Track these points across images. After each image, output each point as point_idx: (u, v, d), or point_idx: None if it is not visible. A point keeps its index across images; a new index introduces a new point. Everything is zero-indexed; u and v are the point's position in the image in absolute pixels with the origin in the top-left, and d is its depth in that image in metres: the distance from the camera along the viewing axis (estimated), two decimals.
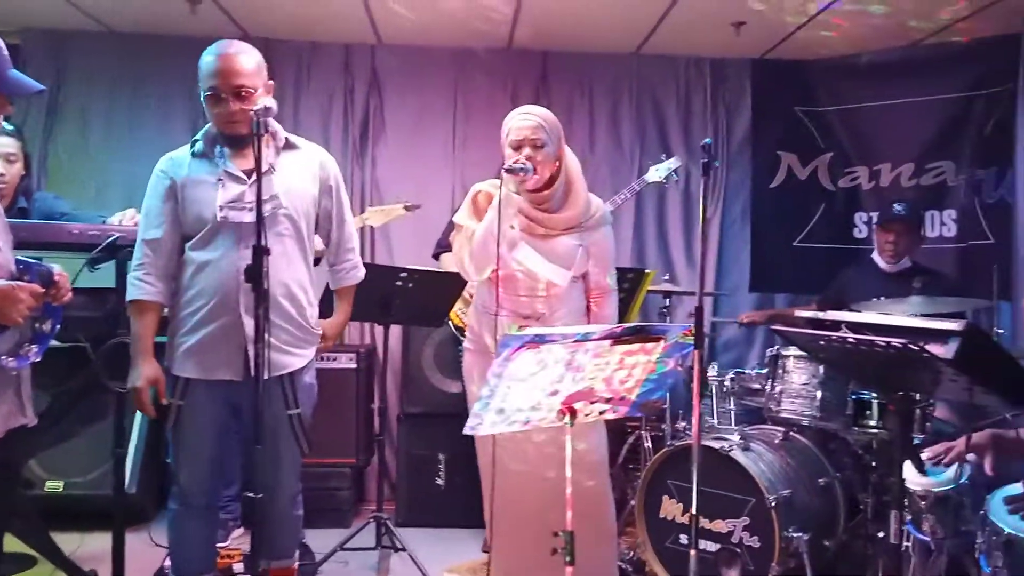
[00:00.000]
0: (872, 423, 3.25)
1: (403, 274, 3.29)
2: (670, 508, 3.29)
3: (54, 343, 2.34)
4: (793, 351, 3.35)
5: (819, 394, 3.26)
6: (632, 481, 3.93)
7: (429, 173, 4.76)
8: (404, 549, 3.40)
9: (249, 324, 2.37)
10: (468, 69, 4.80)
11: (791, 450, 3.37)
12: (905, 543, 2.67)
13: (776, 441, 3.38)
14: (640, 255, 4.89)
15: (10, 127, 3.25)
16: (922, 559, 2.65)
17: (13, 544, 2.78)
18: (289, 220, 2.52)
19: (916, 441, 2.75)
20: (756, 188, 4.94)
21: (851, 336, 2.10)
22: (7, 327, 2.03)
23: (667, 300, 4.05)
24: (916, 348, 1.91)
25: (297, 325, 2.56)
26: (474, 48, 4.75)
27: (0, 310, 1.97)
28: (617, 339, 2.08)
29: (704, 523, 3.14)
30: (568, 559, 2.06)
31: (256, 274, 2.12)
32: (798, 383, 3.33)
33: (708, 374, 3.80)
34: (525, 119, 2.69)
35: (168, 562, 3.08)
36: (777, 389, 3.38)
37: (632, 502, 3.48)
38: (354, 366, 4.12)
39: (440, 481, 4.14)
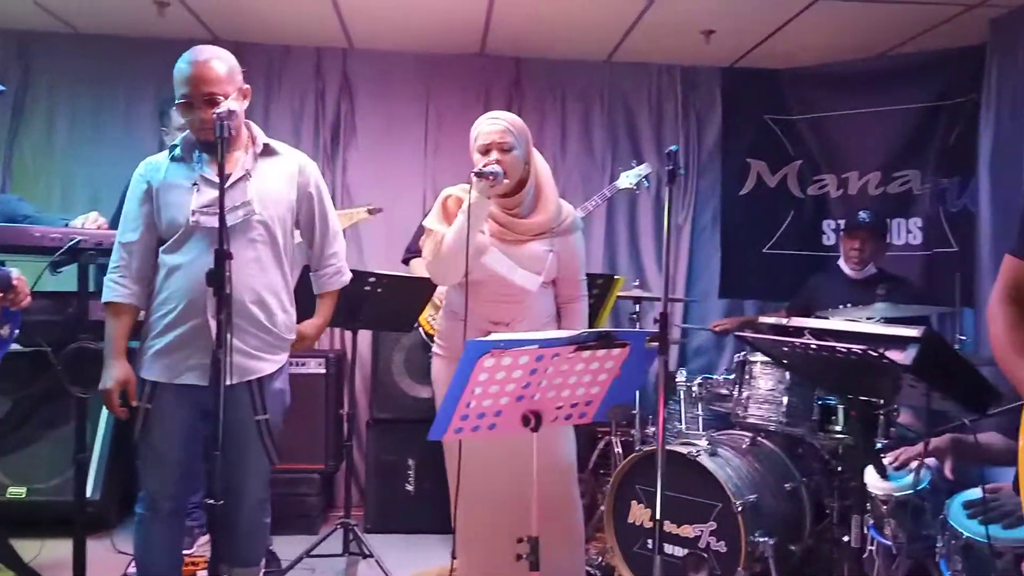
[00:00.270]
0: (838, 428, 3.27)
1: (372, 279, 3.28)
2: (638, 513, 3.29)
3: (15, 347, 2.31)
4: (760, 357, 3.37)
5: (785, 399, 3.29)
6: (602, 486, 3.94)
7: (400, 178, 4.76)
8: (372, 555, 3.38)
9: (216, 329, 2.33)
10: (440, 75, 4.80)
11: (758, 455, 3.39)
12: (869, 547, 2.70)
13: (744, 446, 3.40)
14: (612, 261, 4.92)
15: None
16: (885, 563, 2.68)
17: None
18: (263, 226, 2.52)
19: (879, 446, 2.79)
20: (726, 195, 4.99)
21: (813, 342, 2.12)
22: None
23: (637, 306, 4.07)
24: (876, 354, 1.94)
25: (267, 331, 2.55)
26: (446, 54, 4.76)
27: None
28: (582, 345, 2.09)
29: (672, 528, 3.15)
30: (532, 565, 2.07)
31: (218, 278, 2.10)
32: (765, 389, 3.36)
33: (677, 379, 3.82)
34: (493, 123, 2.69)
35: (132, 569, 3.04)
36: (744, 395, 3.41)
37: (602, 507, 3.49)
38: (323, 371, 4.10)
39: (410, 487, 4.13)
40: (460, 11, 4.13)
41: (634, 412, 3.87)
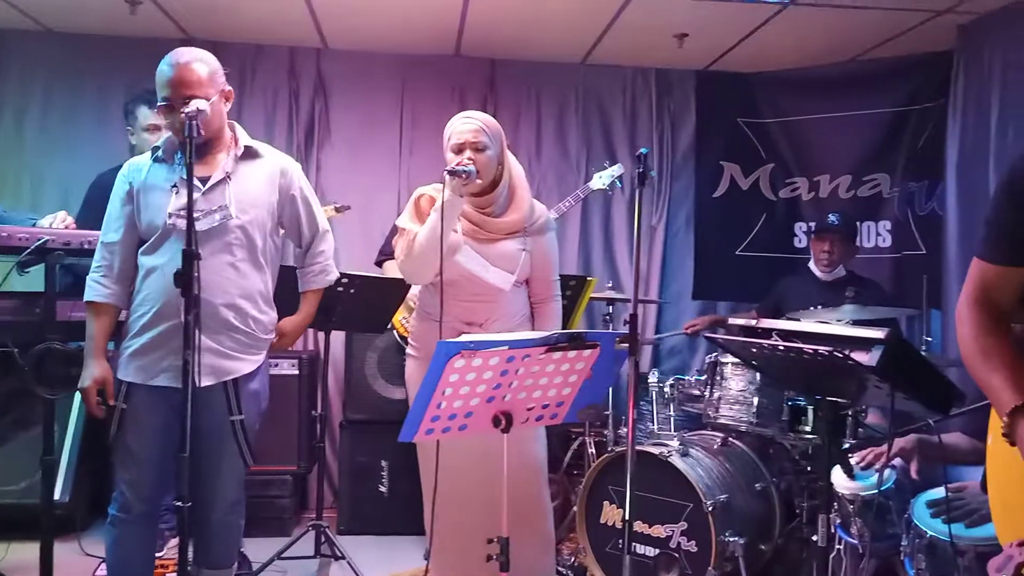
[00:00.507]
0: (807, 429, 3.30)
1: (344, 280, 3.26)
2: (610, 513, 3.31)
3: None
4: (731, 358, 3.40)
5: (756, 400, 3.31)
6: (576, 487, 3.95)
7: (375, 179, 4.75)
8: (344, 557, 3.37)
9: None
10: (415, 75, 4.80)
11: (729, 455, 3.42)
12: (837, 546, 2.74)
13: (715, 447, 3.43)
14: (586, 262, 4.94)
15: None
16: (852, 562, 2.72)
17: None
18: (240, 230, 2.53)
19: (846, 446, 2.82)
20: (700, 197, 5.02)
21: (781, 344, 2.15)
22: None
23: (610, 307, 4.09)
24: (841, 356, 1.96)
25: (243, 332, 2.55)
26: (421, 54, 4.76)
27: None
28: (553, 346, 2.10)
29: (643, 528, 3.17)
30: (502, 565, 2.07)
31: (186, 279, 2.09)
32: (736, 389, 3.38)
33: (649, 380, 3.84)
34: (466, 122, 2.70)
35: (101, 571, 3.02)
36: (715, 395, 3.43)
37: (575, 508, 3.50)
38: (296, 372, 4.08)
39: (383, 488, 4.12)
40: (435, 12, 4.13)
41: (607, 413, 3.89)
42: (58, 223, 2.87)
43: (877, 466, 2.59)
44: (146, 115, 3.40)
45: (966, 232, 3.93)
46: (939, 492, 2.29)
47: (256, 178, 2.60)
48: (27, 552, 3.00)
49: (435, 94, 4.78)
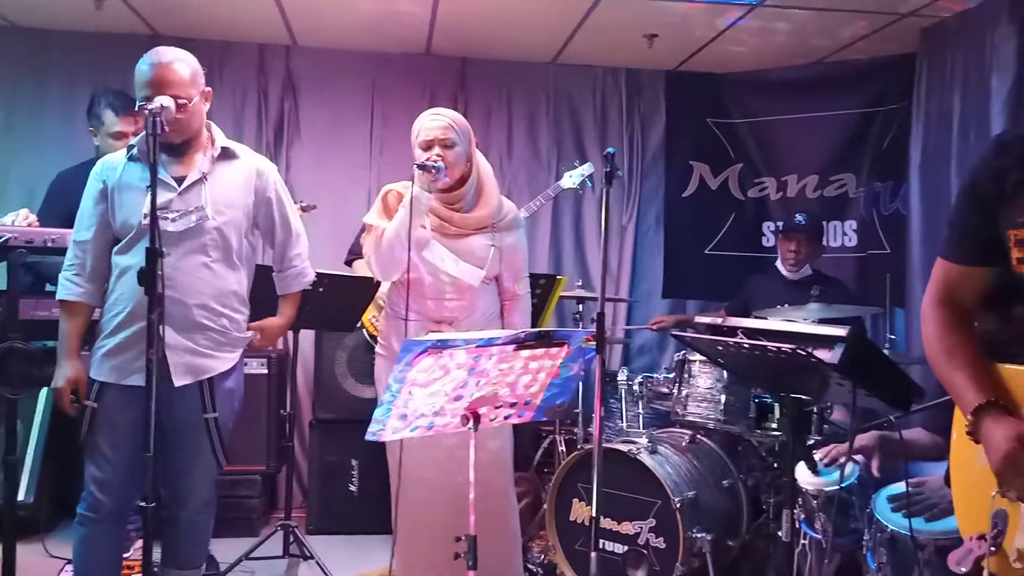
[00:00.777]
0: (774, 426, 3.35)
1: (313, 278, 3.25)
2: (580, 511, 3.33)
3: None
4: (699, 356, 3.43)
5: (723, 398, 3.34)
6: (546, 485, 3.96)
7: (345, 178, 4.73)
8: (312, 557, 3.36)
9: (166, 332, 2.38)
10: (386, 73, 4.79)
11: (697, 452, 3.45)
12: (802, 541, 2.77)
13: (683, 444, 3.46)
14: (556, 261, 4.96)
15: None
16: (817, 556, 2.75)
17: None
18: (216, 231, 2.52)
19: (811, 442, 2.86)
20: (669, 197, 5.06)
21: (746, 342, 2.17)
22: None
23: (580, 306, 4.11)
24: (804, 353, 1.99)
25: (217, 332, 2.55)
26: (391, 52, 4.74)
27: None
28: (521, 344, 2.11)
29: (612, 525, 3.19)
30: (470, 564, 2.08)
31: (149, 277, 2.08)
32: (703, 387, 3.41)
33: (618, 378, 3.87)
34: (435, 119, 2.71)
35: (66, 573, 2.98)
36: (684, 393, 3.46)
37: (545, 506, 3.51)
38: (265, 371, 4.06)
39: (353, 488, 4.11)
40: (405, 10, 4.12)
41: (577, 411, 3.91)
42: (20, 220, 2.83)
43: (827, 460, 2.64)
44: (113, 121, 3.34)
45: (929, 232, 4.00)
46: (900, 487, 2.33)
47: (232, 179, 2.60)
48: None
49: (406, 93, 4.77)
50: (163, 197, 2.46)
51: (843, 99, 4.71)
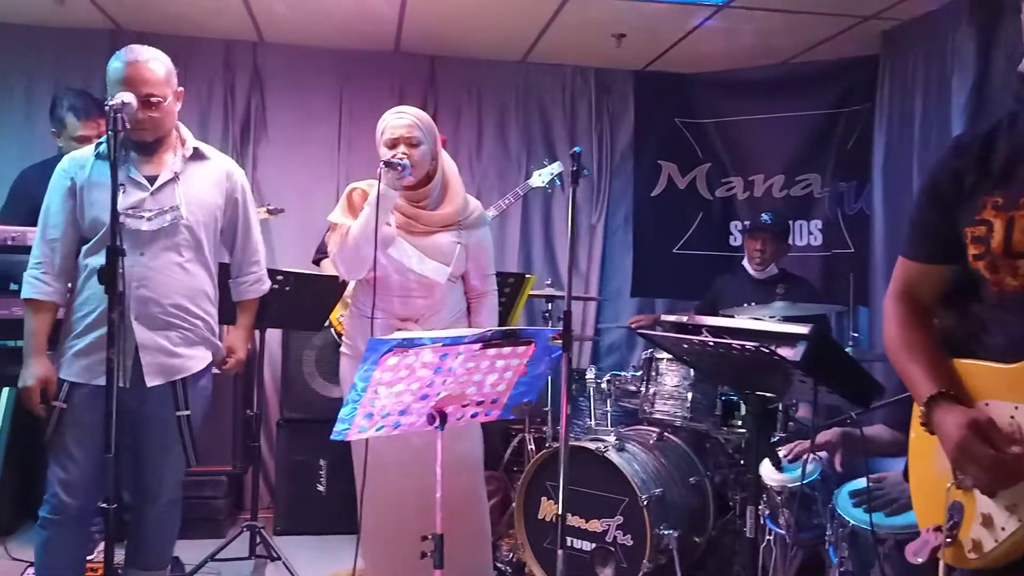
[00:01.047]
0: (740, 423, 3.39)
1: (279, 276, 3.23)
2: (548, 509, 3.33)
3: None
4: (666, 354, 3.46)
5: (690, 395, 3.38)
6: (516, 483, 3.96)
7: (313, 176, 4.69)
8: (279, 558, 3.33)
9: (140, 331, 2.44)
10: (354, 71, 4.76)
11: (664, 450, 3.47)
12: (767, 537, 2.80)
13: (651, 441, 3.48)
14: (526, 260, 4.96)
15: None
16: (781, 552, 2.78)
17: None
18: (189, 230, 2.53)
19: (775, 439, 2.90)
20: (638, 196, 5.09)
21: (711, 340, 2.19)
22: None
23: (549, 304, 4.12)
24: (767, 351, 2.01)
25: (190, 331, 2.56)
26: (360, 50, 4.72)
27: None
28: (488, 343, 2.11)
29: (580, 523, 3.21)
30: (436, 562, 2.07)
31: (110, 276, 2.06)
32: (670, 385, 3.44)
33: (587, 376, 3.88)
34: (400, 117, 2.70)
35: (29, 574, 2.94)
36: (651, 391, 3.49)
37: (515, 504, 3.52)
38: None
39: (321, 488, 4.08)
40: (373, 7, 4.10)
41: (546, 409, 3.92)
42: None
43: (790, 457, 2.68)
44: (75, 126, 3.31)
45: (891, 231, 4.06)
46: (862, 483, 2.37)
47: (204, 180, 2.61)
48: None
49: (374, 90, 4.74)
50: (135, 196, 2.47)
51: (808, 100, 4.76)
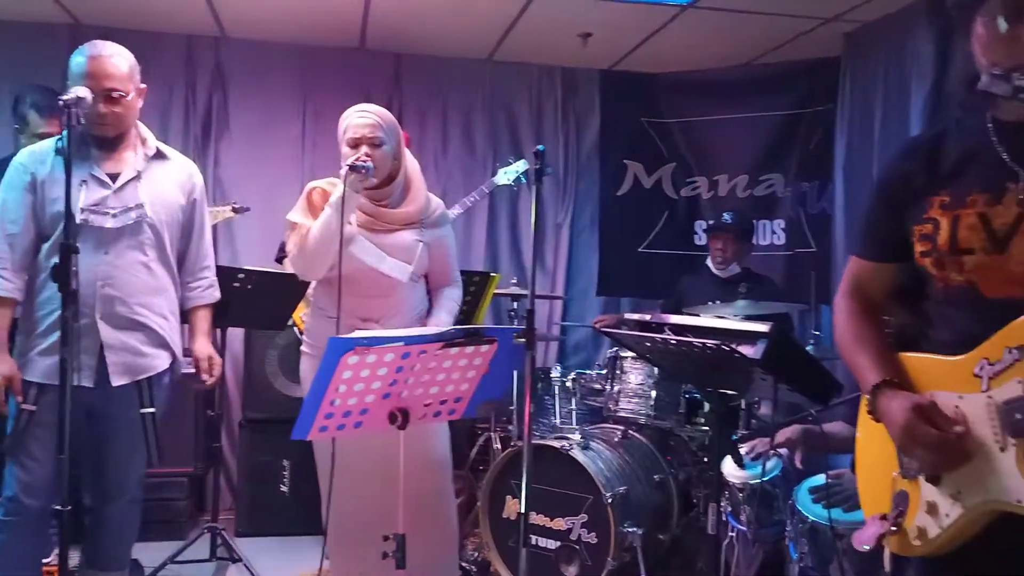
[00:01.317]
0: (703, 421, 3.42)
1: (241, 275, 3.20)
2: (513, 508, 3.33)
3: None
4: (630, 352, 3.47)
5: (654, 394, 3.40)
6: (481, 482, 3.95)
7: (277, 173, 4.64)
8: (241, 560, 3.30)
9: (105, 330, 2.44)
10: (318, 68, 4.71)
11: (629, 448, 3.48)
12: (730, 533, 2.83)
13: (615, 439, 3.49)
14: (493, 259, 4.96)
15: None
16: (743, 548, 2.81)
17: None
18: (152, 230, 2.53)
19: (736, 437, 2.92)
20: (604, 195, 5.11)
21: (672, 338, 2.20)
22: None
23: (515, 303, 4.12)
24: (728, 349, 2.02)
25: (156, 330, 2.56)
26: (324, 47, 4.68)
27: None
28: (450, 342, 2.10)
29: (544, 521, 3.21)
30: (398, 562, 2.06)
31: (63, 274, 2.03)
32: (635, 383, 3.46)
33: (551, 375, 3.89)
34: (363, 117, 2.67)
35: None
36: (616, 389, 3.50)
37: (480, 503, 3.51)
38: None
39: (284, 488, 4.04)
40: (337, 2, 4.06)
41: (512, 408, 3.92)
42: None
43: (752, 455, 2.70)
44: (38, 123, 3.26)
45: (852, 231, 4.12)
46: (821, 479, 2.40)
47: (166, 179, 2.61)
48: None
49: (339, 88, 4.69)
50: (98, 193, 2.46)
51: (771, 101, 4.81)
